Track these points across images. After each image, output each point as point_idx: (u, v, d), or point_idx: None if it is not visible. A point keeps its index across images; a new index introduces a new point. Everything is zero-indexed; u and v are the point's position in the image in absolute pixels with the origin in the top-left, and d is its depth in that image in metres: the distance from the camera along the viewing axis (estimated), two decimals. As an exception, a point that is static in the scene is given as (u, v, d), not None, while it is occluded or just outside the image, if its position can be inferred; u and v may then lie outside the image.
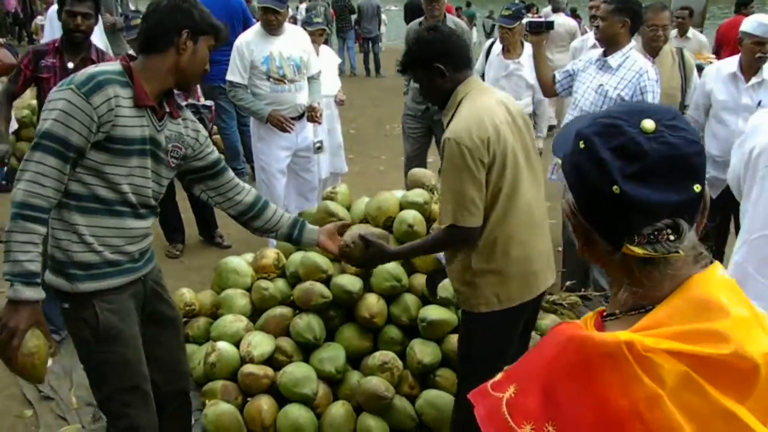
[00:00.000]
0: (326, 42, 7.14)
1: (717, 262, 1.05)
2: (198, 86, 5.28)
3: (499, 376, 1.07)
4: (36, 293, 2.04)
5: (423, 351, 3.34)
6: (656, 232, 0.97)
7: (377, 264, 2.96)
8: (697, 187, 0.98)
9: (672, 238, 0.97)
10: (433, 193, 4.00)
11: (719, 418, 0.92)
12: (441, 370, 3.40)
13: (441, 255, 3.54)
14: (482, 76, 5.61)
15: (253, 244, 5.16)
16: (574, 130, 1.09)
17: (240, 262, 3.90)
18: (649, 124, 0.98)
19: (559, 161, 1.13)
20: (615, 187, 0.96)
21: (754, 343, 0.95)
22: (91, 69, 2.16)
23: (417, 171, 4.29)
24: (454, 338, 3.38)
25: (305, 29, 5.37)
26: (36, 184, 2.03)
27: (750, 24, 4.05)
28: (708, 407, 0.92)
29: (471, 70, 2.69)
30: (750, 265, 2.55)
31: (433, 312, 3.39)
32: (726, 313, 0.97)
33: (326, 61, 5.58)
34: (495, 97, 2.64)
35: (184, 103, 4.93)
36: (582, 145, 1.02)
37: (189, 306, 3.75)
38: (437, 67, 2.59)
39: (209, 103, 5.20)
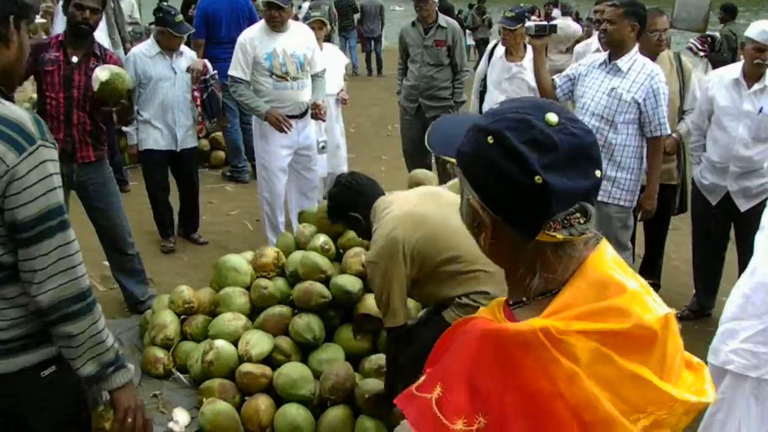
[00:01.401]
0: (328, 40, 7.08)
1: (604, 240, 1.12)
2: (207, 61, 5.25)
3: (422, 378, 1.09)
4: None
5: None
6: (568, 217, 1.02)
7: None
8: (598, 173, 1.05)
9: (582, 221, 1.03)
10: (434, 195, 3.98)
11: (628, 381, 1.00)
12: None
13: None
14: (484, 79, 5.58)
15: (253, 243, 5.16)
16: (461, 128, 1.12)
17: (239, 261, 3.88)
18: (553, 117, 1.03)
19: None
20: (537, 177, 0.99)
21: (649, 312, 1.04)
22: None
23: (418, 172, 4.27)
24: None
25: (305, 23, 5.34)
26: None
27: (753, 29, 4.03)
28: (618, 374, 1.00)
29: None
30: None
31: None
32: (623, 288, 1.05)
33: (329, 59, 5.45)
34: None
35: (196, 84, 4.90)
36: (491, 140, 1.03)
37: (188, 303, 3.74)
38: (353, 216, 2.85)
39: (213, 71, 5.16)
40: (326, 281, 3.51)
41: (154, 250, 5.29)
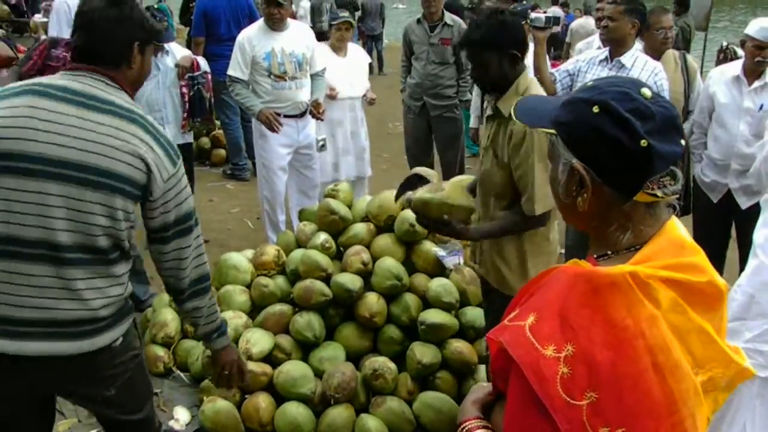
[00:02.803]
0: (324, 38, 7.01)
1: (674, 217, 1.24)
2: (198, 57, 5.27)
3: (513, 314, 1.19)
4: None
5: (423, 352, 3.31)
6: (661, 179, 1.14)
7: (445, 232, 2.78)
8: (683, 141, 1.16)
9: (672, 183, 1.15)
10: (435, 193, 3.97)
11: (695, 334, 1.12)
12: (441, 372, 3.37)
13: (444, 255, 3.51)
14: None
15: (253, 241, 5.15)
16: (545, 102, 1.32)
17: (240, 259, 3.88)
18: (647, 91, 1.15)
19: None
20: (643, 141, 1.11)
21: (717, 276, 1.18)
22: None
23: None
24: (454, 343, 3.36)
25: (331, 25, 5.30)
26: None
27: (753, 27, 4.02)
28: (688, 325, 1.12)
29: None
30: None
31: (433, 315, 3.36)
32: (698, 250, 1.19)
33: (355, 60, 5.39)
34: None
35: (183, 80, 4.89)
36: (596, 110, 1.14)
37: (188, 302, 3.73)
38: (512, 54, 2.59)
39: (206, 68, 5.16)
40: (327, 279, 3.50)
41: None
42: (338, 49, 5.26)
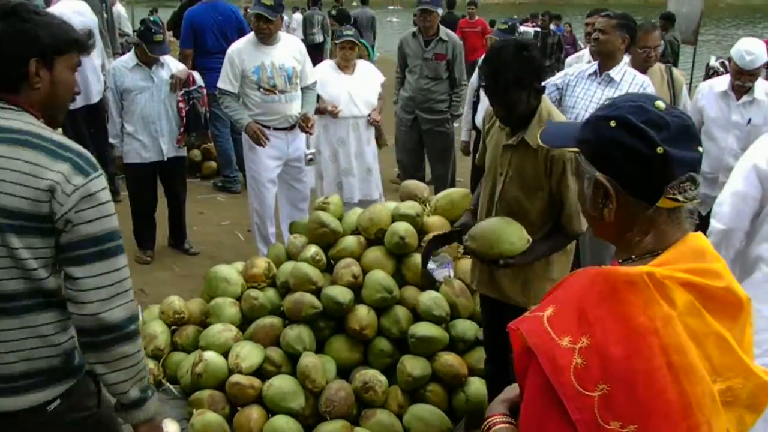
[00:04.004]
0: (319, 51, 7.04)
1: (700, 232, 1.29)
2: (194, 72, 5.30)
3: (534, 307, 1.25)
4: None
5: (413, 365, 3.32)
6: (681, 185, 1.19)
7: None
8: (700, 149, 1.22)
9: (692, 188, 1.20)
10: (425, 206, 4.00)
11: (712, 339, 1.14)
12: (431, 384, 3.38)
13: (434, 268, 3.53)
14: (478, 89, 5.62)
15: (243, 253, 5.15)
16: (567, 126, 1.41)
17: (230, 271, 3.89)
18: (661, 104, 1.23)
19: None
20: (659, 149, 1.17)
21: (738, 287, 1.22)
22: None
23: (410, 183, 4.29)
24: (444, 356, 3.37)
25: (335, 44, 5.25)
26: None
27: (736, 50, 4.11)
28: (705, 329, 1.14)
29: None
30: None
31: (423, 329, 3.37)
32: (718, 258, 1.24)
33: (363, 79, 5.26)
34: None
35: (180, 92, 4.96)
36: (614, 124, 1.21)
37: (178, 314, 3.73)
38: (538, 88, 2.63)
39: (200, 83, 5.20)
40: (317, 292, 3.51)
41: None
42: (344, 67, 5.22)
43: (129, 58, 5.04)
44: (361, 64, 5.38)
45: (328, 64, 5.36)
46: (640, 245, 1.25)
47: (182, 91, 5.07)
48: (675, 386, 1.08)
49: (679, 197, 1.19)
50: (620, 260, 1.29)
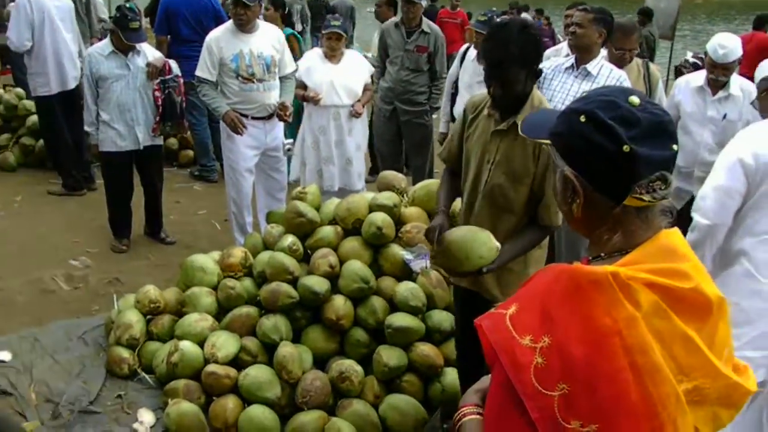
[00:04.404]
0: (300, 41, 7.00)
1: (676, 228, 1.27)
2: (170, 60, 5.26)
3: (500, 303, 1.24)
4: None
5: (389, 355, 3.34)
6: (650, 183, 1.18)
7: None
8: (674, 147, 1.21)
9: (662, 187, 1.19)
10: (403, 196, 4.01)
11: (679, 340, 1.13)
12: (407, 375, 3.40)
13: (411, 259, 3.55)
14: (456, 81, 5.64)
15: (220, 243, 5.13)
16: (545, 118, 1.37)
17: (207, 260, 3.88)
18: (635, 99, 1.21)
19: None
20: (625, 147, 1.16)
21: (709, 285, 1.20)
22: None
23: (388, 174, 4.29)
24: (420, 346, 3.39)
25: (323, 33, 5.24)
26: None
27: (711, 44, 4.15)
28: (671, 330, 1.13)
29: None
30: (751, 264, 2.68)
31: (399, 319, 3.38)
32: (687, 258, 1.22)
33: (349, 69, 5.25)
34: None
35: (156, 81, 4.92)
36: (583, 119, 1.20)
37: (154, 303, 3.72)
38: (537, 70, 2.60)
39: (177, 72, 5.16)
40: (294, 282, 3.52)
41: (103, 248, 5.27)
42: (331, 56, 5.21)
43: (104, 45, 4.98)
44: (350, 54, 5.37)
45: (315, 53, 5.36)
46: (609, 243, 1.25)
47: (158, 80, 5.02)
48: (638, 387, 1.08)
49: (646, 197, 1.18)
50: (590, 257, 1.30)
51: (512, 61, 2.50)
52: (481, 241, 2.53)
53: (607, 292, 1.11)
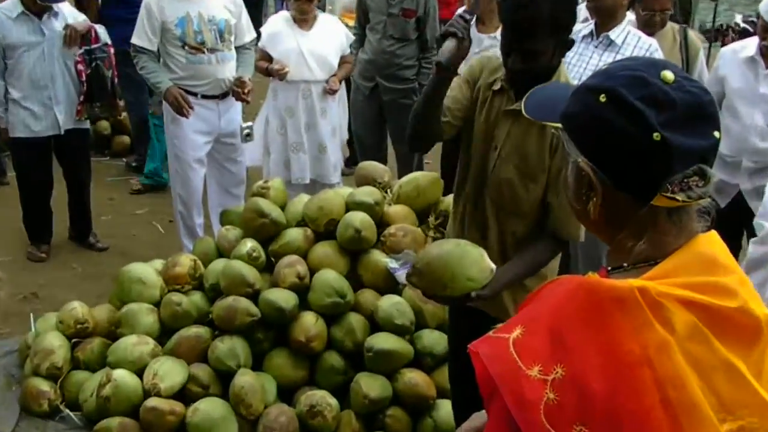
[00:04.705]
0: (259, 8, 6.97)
1: (714, 232, 1.26)
2: (97, 26, 5.23)
3: (500, 325, 1.22)
4: None
5: (370, 384, 3.34)
6: (685, 179, 1.15)
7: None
8: (716, 134, 1.18)
9: (700, 184, 1.16)
10: (387, 192, 4.03)
11: (721, 370, 1.10)
12: (392, 409, 3.41)
13: (396, 268, 3.55)
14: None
15: (164, 249, 5.12)
16: (556, 93, 1.33)
17: (147, 271, 3.86)
18: (669, 74, 1.17)
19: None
20: (655, 135, 1.13)
21: (758, 304, 1.18)
22: None
23: (368, 165, 4.30)
24: (408, 374, 3.40)
25: None
26: None
27: (763, 5, 4.14)
28: (712, 358, 1.10)
29: None
30: None
31: (382, 340, 3.39)
32: (731, 270, 1.19)
33: (322, 37, 5.28)
34: None
35: (79, 51, 4.87)
36: (603, 99, 1.18)
37: (81, 324, 3.69)
38: (569, 40, 2.55)
39: (106, 40, 5.14)
40: (254, 296, 3.52)
41: (18, 255, 5.25)
42: (301, 21, 5.21)
43: (11, 4, 4.87)
44: (324, 19, 5.40)
45: (282, 17, 5.37)
46: (633, 251, 1.23)
47: (82, 50, 4.98)
48: (671, 428, 1.06)
49: (680, 196, 1.16)
50: (609, 268, 1.27)
51: (540, 25, 2.42)
52: (471, 259, 2.43)
53: (634, 313, 1.09)
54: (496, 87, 2.64)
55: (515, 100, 2.57)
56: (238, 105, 4.95)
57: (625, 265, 1.24)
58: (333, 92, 5.29)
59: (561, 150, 2.50)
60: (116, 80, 5.28)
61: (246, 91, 4.79)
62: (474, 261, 2.42)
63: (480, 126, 2.70)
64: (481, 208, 2.73)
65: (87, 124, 5.29)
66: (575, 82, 3.94)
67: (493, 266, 2.44)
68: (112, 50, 5.17)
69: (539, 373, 1.10)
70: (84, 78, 5.01)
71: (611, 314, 1.10)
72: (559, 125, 1.29)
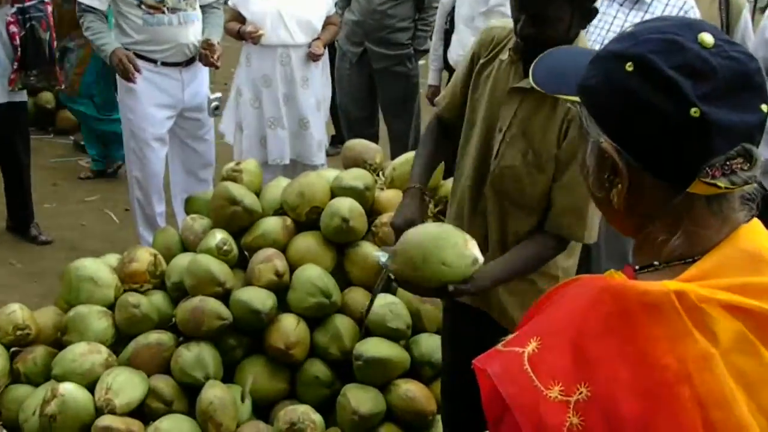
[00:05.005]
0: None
1: (757, 220, 1.23)
2: None
3: (510, 336, 1.19)
4: None
5: (360, 398, 3.33)
6: (728, 162, 1.12)
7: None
8: (764, 107, 1.14)
9: (745, 167, 1.13)
10: (378, 175, 4.02)
11: None
12: (385, 425, 3.41)
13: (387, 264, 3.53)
14: (451, 13, 5.61)
15: (118, 242, 5.11)
16: (572, 60, 1.31)
17: (99, 268, 3.84)
18: (708, 38, 1.14)
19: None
20: (693, 110, 1.09)
21: None
22: None
23: (355, 143, 4.30)
24: (403, 386, 3.41)
25: None
26: None
27: None
28: (761, 372, 1.08)
29: None
30: None
31: (374, 347, 3.40)
32: None
33: None
34: None
35: (10, 10, 4.85)
36: (630, 68, 1.14)
37: (21, 330, 3.66)
38: (591, 8, 2.54)
39: None
40: (225, 297, 3.52)
41: None
42: None
43: None
44: None
45: None
46: (665, 247, 1.20)
47: (14, 8, 4.94)
48: None
49: (722, 182, 1.12)
50: (636, 267, 1.25)
51: None
52: (450, 242, 2.45)
53: (671, 321, 1.07)
54: (504, 57, 2.64)
55: (524, 75, 2.55)
56: (205, 73, 4.95)
57: (656, 263, 1.21)
58: (316, 58, 5.29)
59: (572, 135, 2.50)
60: (55, 44, 5.25)
61: (215, 56, 4.76)
62: (453, 244, 2.44)
63: (482, 105, 2.71)
64: (482, 204, 2.74)
65: (24, 96, 5.27)
66: (598, 47, 3.96)
67: (479, 256, 2.45)
68: (50, 8, 5.14)
69: (560, 393, 1.08)
70: (18, 41, 4.97)
71: (643, 323, 1.07)
72: (576, 99, 1.25)
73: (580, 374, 1.08)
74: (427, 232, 2.52)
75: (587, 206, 2.49)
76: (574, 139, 2.48)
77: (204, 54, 4.77)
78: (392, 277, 2.62)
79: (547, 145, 2.57)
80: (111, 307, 3.73)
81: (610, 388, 1.06)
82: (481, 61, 2.73)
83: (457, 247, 2.43)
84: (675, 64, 1.12)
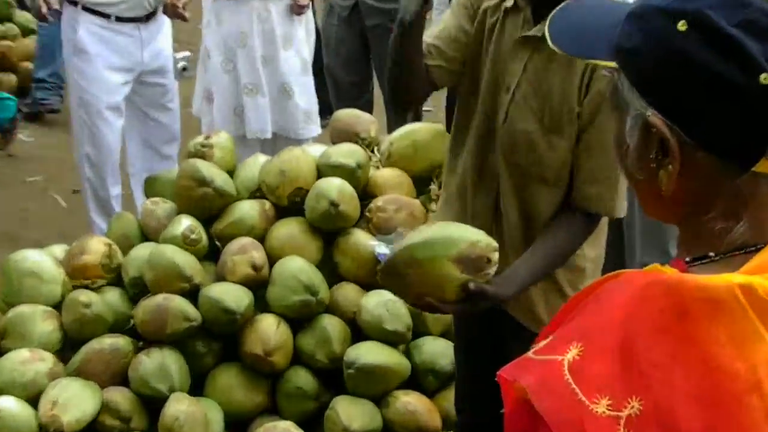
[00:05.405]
0: None
1: None
2: None
3: (543, 342, 1.19)
4: None
5: (351, 412, 3.36)
6: None
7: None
8: None
9: None
10: (373, 151, 4.05)
11: None
12: (382, 444, 3.45)
13: (385, 254, 3.57)
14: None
15: (66, 230, 5.12)
16: (606, 11, 1.29)
17: (43, 260, 3.85)
18: None
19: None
20: (763, 76, 1.09)
21: None
22: None
23: (345, 114, 4.30)
24: (402, 398, 3.44)
25: None
26: None
27: None
28: None
29: None
30: None
31: (368, 351, 3.42)
32: None
33: None
34: None
35: None
36: (683, 27, 1.13)
37: (-48, 334, 3.69)
38: None
39: None
40: (192, 294, 3.53)
41: None
42: None
43: None
44: None
45: None
46: (724, 236, 1.19)
47: None
48: None
49: None
50: (688, 259, 1.23)
51: None
52: (464, 234, 2.45)
53: (735, 319, 1.07)
54: (509, 4, 2.62)
55: (533, 23, 2.55)
56: (168, 30, 4.96)
57: (712, 254, 1.20)
58: (300, 11, 5.30)
59: (596, 88, 2.50)
60: None
61: (182, 5, 4.77)
62: (468, 236, 2.43)
63: (486, 59, 2.69)
64: (489, 178, 2.73)
65: None
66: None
67: (494, 244, 2.45)
68: None
69: (608, 408, 1.07)
70: None
71: (702, 322, 1.07)
72: (611, 64, 1.24)
73: (631, 385, 1.07)
74: (438, 226, 2.53)
75: (617, 172, 2.43)
76: (598, 94, 2.48)
77: (170, 3, 4.79)
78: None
79: (565, 102, 2.56)
80: (58, 306, 3.74)
81: (668, 398, 1.06)
82: (485, 4, 2.70)
83: (473, 234, 2.44)
84: (738, 22, 1.11)
